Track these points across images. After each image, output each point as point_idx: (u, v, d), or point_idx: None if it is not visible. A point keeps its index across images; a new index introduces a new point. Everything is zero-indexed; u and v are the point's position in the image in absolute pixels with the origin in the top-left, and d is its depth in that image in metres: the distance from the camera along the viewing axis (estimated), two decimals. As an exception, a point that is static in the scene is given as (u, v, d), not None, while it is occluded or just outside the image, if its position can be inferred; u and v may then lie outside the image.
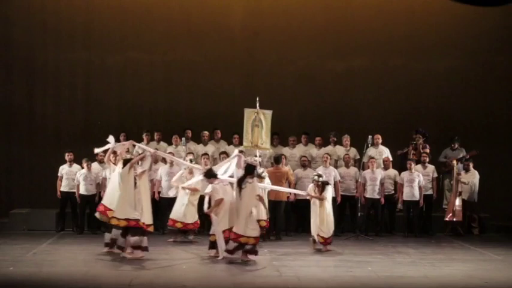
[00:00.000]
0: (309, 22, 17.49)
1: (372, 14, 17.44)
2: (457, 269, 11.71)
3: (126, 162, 12.53)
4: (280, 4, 17.60)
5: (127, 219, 12.12)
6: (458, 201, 15.39)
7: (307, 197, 13.39)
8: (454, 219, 15.42)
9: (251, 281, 10.71)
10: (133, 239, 12.13)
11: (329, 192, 13.35)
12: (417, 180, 15.23)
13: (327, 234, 13.11)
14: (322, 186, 13.21)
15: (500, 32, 17.37)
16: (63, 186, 15.52)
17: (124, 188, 12.26)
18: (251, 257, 12.00)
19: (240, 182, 12.06)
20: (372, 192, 15.22)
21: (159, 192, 15.12)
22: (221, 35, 17.44)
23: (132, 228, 12.13)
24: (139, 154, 13.08)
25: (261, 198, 12.41)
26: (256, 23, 17.53)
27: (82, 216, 15.43)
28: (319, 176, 13.41)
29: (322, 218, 13.11)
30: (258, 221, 14.14)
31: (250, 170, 12.16)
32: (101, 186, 15.34)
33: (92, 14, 17.39)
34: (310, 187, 13.41)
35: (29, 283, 10.33)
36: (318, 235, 13.09)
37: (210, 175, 12.50)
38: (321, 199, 13.14)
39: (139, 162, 12.73)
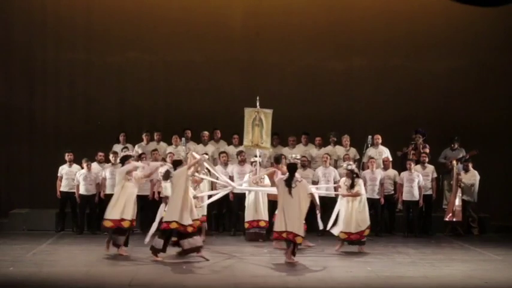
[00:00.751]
0: (309, 22, 17.48)
1: (372, 14, 17.44)
2: (456, 269, 11.71)
3: (176, 163, 12.53)
4: (280, 4, 17.60)
5: (182, 225, 12.05)
6: (458, 201, 15.40)
7: (340, 194, 13.26)
8: (454, 220, 15.43)
9: (251, 281, 10.71)
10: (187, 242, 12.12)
11: (362, 187, 13.25)
12: (417, 181, 15.24)
13: (354, 229, 13.01)
14: (351, 175, 13.10)
15: (500, 32, 17.36)
16: (63, 186, 15.53)
17: (182, 191, 12.14)
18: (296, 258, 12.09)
19: (289, 181, 12.05)
20: (372, 192, 15.21)
21: (159, 193, 15.11)
22: (221, 35, 17.44)
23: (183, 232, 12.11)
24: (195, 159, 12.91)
25: (312, 196, 12.38)
26: (256, 23, 17.52)
27: (82, 216, 15.44)
28: (349, 164, 13.42)
29: (350, 214, 13.04)
30: (258, 221, 14.25)
31: (294, 168, 12.22)
32: (100, 186, 15.36)
33: (92, 14, 17.38)
34: (342, 181, 13.34)
35: (28, 283, 10.33)
36: (342, 232, 13.03)
37: (167, 177, 12.65)
38: (356, 196, 13.05)
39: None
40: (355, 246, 13.19)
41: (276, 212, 12.45)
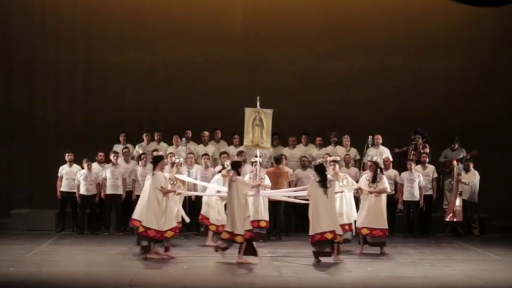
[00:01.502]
0: (309, 22, 17.48)
1: (372, 14, 17.45)
2: (456, 269, 11.71)
3: (235, 165, 12.39)
4: (280, 4, 17.60)
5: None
6: (458, 202, 15.39)
7: (363, 192, 13.03)
8: (455, 220, 15.43)
9: (251, 281, 10.71)
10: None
11: (387, 183, 13.13)
12: (417, 181, 15.22)
13: (379, 225, 12.86)
14: (375, 169, 12.93)
15: (500, 32, 17.38)
16: (63, 187, 15.53)
17: (243, 205, 12.13)
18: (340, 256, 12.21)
19: (324, 182, 12.08)
20: (372, 192, 15.19)
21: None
22: (221, 35, 17.44)
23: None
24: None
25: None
26: (256, 23, 17.53)
27: (82, 216, 15.44)
28: (374, 156, 13.43)
29: (374, 209, 12.89)
30: (259, 221, 14.21)
31: (323, 169, 12.29)
32: (101, 186, 15.35)
33: (92, 14, 17.39)
34: (363, 178, 13.16)
35: (29, 283, 10.33)
36: (365, 227, 12.88)
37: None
38: (383, 192, 12.94)
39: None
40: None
41: (310, 216, 12.21)
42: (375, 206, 12.92)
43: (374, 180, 12.96)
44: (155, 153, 12.99)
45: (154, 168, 12.46)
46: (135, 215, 13.31)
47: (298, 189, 13.81)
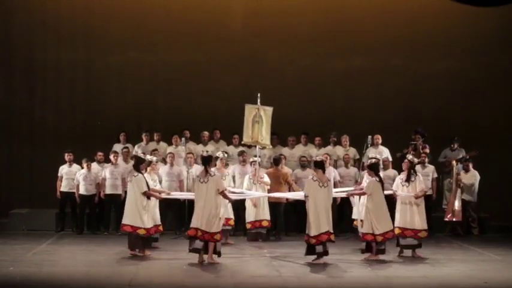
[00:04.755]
0: (309, 22, 17.49)
1: (372, 14, 17.45)
2: (456, 269, 11.71)
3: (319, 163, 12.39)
4: (280, 4, 17.60)
5: None
6: (457, 202, 15.36)
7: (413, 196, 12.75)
8: (454, 220, 15.40)
9: (251, 281, 10.71)
10: None
11: (423, 182, 13.03)
12: (417, 181, 15.19)
13: (410, 225, 12.76)
14: (410, 167, 12.81)
15: (500, 32, 17.37)
16: (63, 187, 15.54)
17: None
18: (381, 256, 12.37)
19: (382, 181, 12.32)
20: (372, 192, 15.15)
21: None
22: (221, 35, 17.44)
23: None
24: None
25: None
26: (256, 23, 17.53)
27: (82, 216, 15.46)
28: (407, 153, 13.55)
29: (407, 208, 12.80)
30: (261, 220, 14.22)
31: (378, 168, 12.64)
32: (100, 186, 15.36)
33: (92, 14, 17.39)
34: (398, 179, 13.03)
35: (28, 283, 10.34)
36: (397, 227, 12.73)
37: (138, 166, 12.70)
38: (424, 193, 12.87)
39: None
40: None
41: (378, 216, 12.27)
42: (409, 206, 12.82)
43: (408, 179, 12.84)
44: (204, 154, 12.40)
45: (206, 169, 11.91)
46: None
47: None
